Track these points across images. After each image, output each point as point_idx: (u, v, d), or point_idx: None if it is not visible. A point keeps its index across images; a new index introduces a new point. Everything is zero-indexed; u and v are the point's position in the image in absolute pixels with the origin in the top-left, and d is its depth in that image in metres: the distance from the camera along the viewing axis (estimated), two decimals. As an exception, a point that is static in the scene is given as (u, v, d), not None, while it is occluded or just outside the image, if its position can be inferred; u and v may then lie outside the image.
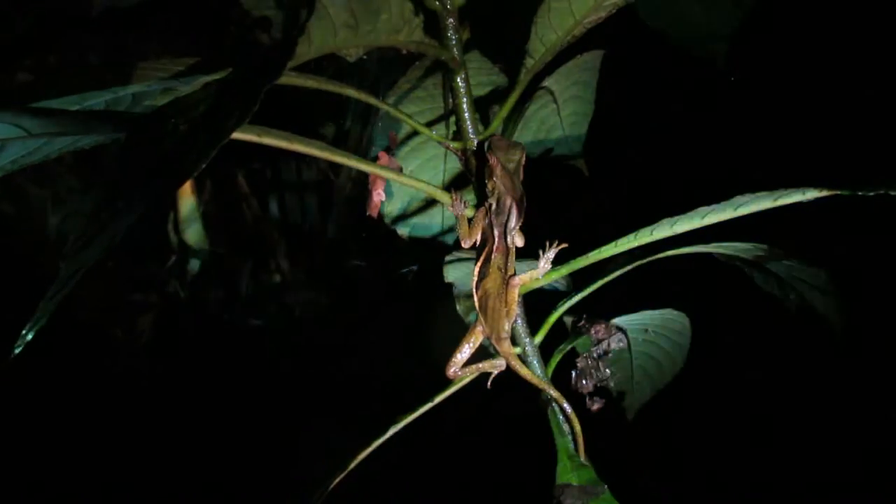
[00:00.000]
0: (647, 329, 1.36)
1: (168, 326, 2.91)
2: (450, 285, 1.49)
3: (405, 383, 2.38)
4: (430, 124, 1.42)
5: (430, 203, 1.53)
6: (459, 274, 1.47)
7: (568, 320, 1.33)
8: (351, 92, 1.03)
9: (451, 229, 1.57)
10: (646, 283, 1.29)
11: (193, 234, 2.87)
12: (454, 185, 1.47)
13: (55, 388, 2.61)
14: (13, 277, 2.88)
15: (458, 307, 1.50)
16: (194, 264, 2.91)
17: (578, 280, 1.18)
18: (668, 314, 1.33)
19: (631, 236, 1.03)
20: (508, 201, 1.02)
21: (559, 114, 1.47)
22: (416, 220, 1.54)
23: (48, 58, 3.19)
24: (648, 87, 1.80)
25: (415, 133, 1.42)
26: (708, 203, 1.01)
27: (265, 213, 2.89)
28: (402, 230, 1.54)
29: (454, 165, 1.49)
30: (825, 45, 1.81)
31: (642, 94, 1.78)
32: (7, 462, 2.28)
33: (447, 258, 1.44)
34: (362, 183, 3.08)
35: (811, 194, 0.95)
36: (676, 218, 1.00)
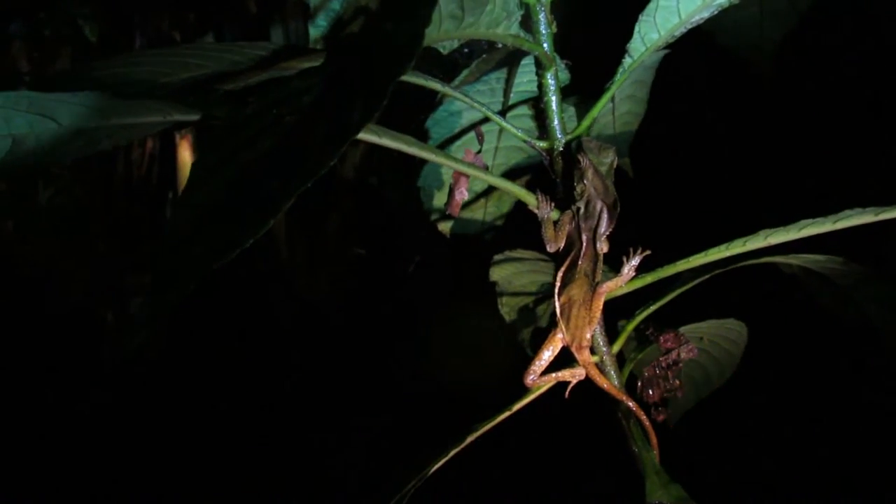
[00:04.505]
0: (702, 338, 1.33)
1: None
2: (463, 281, 1.46)
3: (415, 380, 2.36)
4: (485, 121, 1.38)
5: (474, 200, 1.49)
6: (505, 274, 1.43)
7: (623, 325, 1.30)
8: (436, 86, 0.98)
9: (493, 227, 1.53)
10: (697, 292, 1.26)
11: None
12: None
13: (44, 373, 2.54)
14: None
15: (500, 308, 1.46)
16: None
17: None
18: (727, 323, 1.31)
19: (723, 247, 1.00)
20: (599, 205, 0.98)
21: (613, 112, 1.44)
22: (459, 215, 1.50)
23: (43, 31, 3.11)
24: (697, 90, 1.78)
25: (469, 128, 1.38)
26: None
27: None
28: (444, 226, 1.51)
29: (502, 161, 1.46)
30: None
31: (692, 97, 1.75)
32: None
33: (496, 257, 1.41)
34: (365, 171, 3.04)
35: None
36: (772, 230, 0.98)
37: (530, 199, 1.02)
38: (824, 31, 1.69)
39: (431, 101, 1.42)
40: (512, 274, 1.42)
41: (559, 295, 1.01)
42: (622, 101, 1.42)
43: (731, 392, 1.39)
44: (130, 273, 2.95)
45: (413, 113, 1.43)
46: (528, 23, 0.99)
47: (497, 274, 1.43)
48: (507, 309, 1.47)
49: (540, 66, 1.01)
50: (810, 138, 1.86)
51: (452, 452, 0.98)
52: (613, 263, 1.07)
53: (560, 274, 1.01)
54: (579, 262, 0.99)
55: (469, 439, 0.99)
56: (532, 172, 1.44)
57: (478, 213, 1.51)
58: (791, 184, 1.79)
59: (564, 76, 1.31)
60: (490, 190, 1.46)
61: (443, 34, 0.88)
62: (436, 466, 0.98)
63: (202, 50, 1.02)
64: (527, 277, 1.43)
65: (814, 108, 1.82)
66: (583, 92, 1.31)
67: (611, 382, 1.05)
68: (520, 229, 1.28)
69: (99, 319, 2.86)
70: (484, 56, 1.23)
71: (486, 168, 1.12)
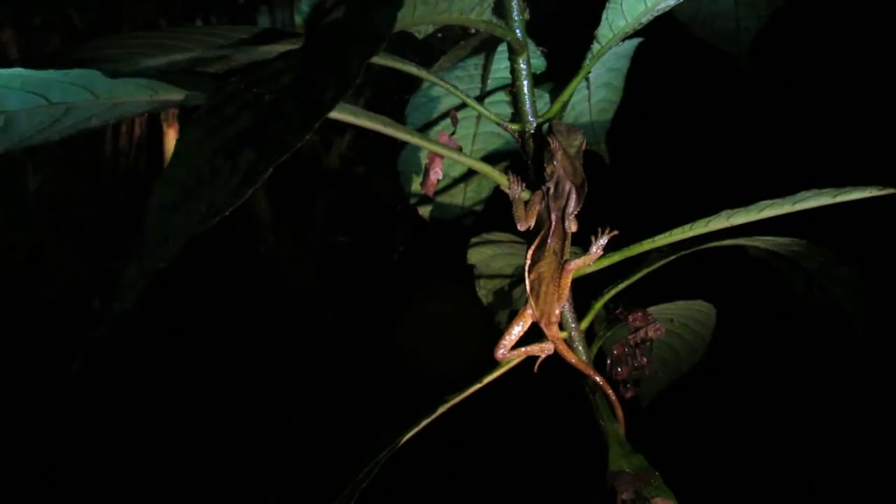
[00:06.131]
0: (672, 319, 1.37)
1: (147, 296, 2.85)
2: (444, 266, 1.49)
3: (398, 365, 2.39)
4: (462, 107, 1.41)
5: (453, 184, 1.52)
6: (482, 256, 1.47)
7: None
8: (412, 69, 1.02)
9: (472, 212, 1.57)
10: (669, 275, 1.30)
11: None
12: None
13: (29, 362, 2.55)
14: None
15: (478, 290, 1.50)
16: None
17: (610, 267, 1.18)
18: (695, 305, 1.34)
19: (686, 227, 1.04)
20: (568, 186, 1.02)
21: (589, 100, 1.47)
22: (438, 200, 1.53)
23: (32, 18, 3.12)
24: (670, 78, 1.81)
25: (446, 114, 1.41)
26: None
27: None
28: (424, 210, 1.54)
29: (480, 147, 1.49)
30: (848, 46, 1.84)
31: (666, 85, 1.79)
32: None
33: (473, 240, 1.44)
34: (351, 160, 3.06)
35: (872, 192, 0.96)
36: (734, 211, 1.01)
37: (502, 180, 1.06)
38: (801, 21, 1.72)
39: (412, 89, 1.45)
40: (489, 257, 1.46)
41: (529, 272, 1.05)
42: (598, 88, 1.45)
43: (700, 373, 1.43)
44: (115, 258, 2.96)
45: (397, 106, 1.47)
46: (500, 9, 1.02)
47: (474, 256, 1.46)
48: (485, 292, 1.50)
49: (512, 52, 1.05)
50: (785, 127, 1.90)
51: (423, 423, 1.02)
52: (585, 245, 1.10)
53: (530, 252, 1.05)
54: (549, 241, 1.03)
55: (440, 410, 1.03)
56: (509, 158, 1.47)
57: (457, 198, 1.55)
58: (763, 171, 1.83)
59: (540, 63, 1.34)
60: (469, 175, 1.49)
61: (417, 19, 0.91)
62: (407, 437, 1.01)
63: (188, 33, 1.05)
64: (503, 260, 1.47)
65: (788, 98, 1.86)
66: (557, 79, 1.34)
67: (578, 357, 1.09)
68: (499, 214, 1.31)
69: (86, 306, 2.87)
70: (461, 42, 1.26)
71: (459, 149, 1.15)
